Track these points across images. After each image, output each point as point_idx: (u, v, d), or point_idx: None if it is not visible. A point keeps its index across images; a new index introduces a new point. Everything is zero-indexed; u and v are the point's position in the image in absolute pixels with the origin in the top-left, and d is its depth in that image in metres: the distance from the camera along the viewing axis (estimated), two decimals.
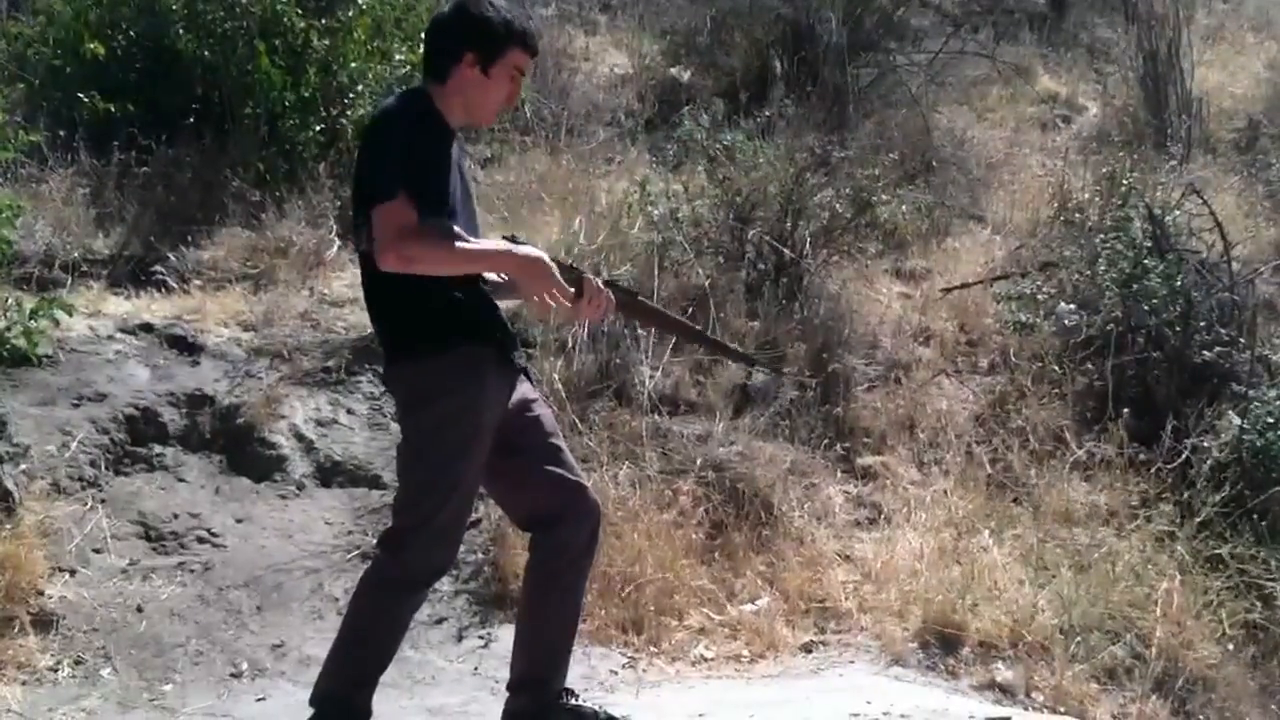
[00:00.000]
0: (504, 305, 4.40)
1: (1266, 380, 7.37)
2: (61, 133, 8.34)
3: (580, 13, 12.99)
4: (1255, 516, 6.44)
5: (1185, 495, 6.63)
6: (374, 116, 4.28)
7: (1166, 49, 12.41)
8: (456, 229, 4.00)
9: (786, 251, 8.33)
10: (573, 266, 4.32)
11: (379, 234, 3.89)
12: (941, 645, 5.86)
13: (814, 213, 8.61)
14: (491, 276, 4.32)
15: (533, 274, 4.07)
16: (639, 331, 7.24)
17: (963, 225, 10.30)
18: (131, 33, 8.77)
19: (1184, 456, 6.86)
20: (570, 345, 7.20)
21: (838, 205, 8.79)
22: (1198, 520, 6.39)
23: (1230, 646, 5.98)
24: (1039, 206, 10.31)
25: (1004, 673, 5.72)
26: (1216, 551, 6.22)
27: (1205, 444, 6.87)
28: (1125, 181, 8.78)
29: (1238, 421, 6.92)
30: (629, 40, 12.70)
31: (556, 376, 6.93)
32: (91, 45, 8.47)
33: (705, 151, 8.96)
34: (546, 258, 4.09)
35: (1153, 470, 6.80)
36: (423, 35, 8.88)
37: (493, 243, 4.18)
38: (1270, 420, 6.91)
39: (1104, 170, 9.69)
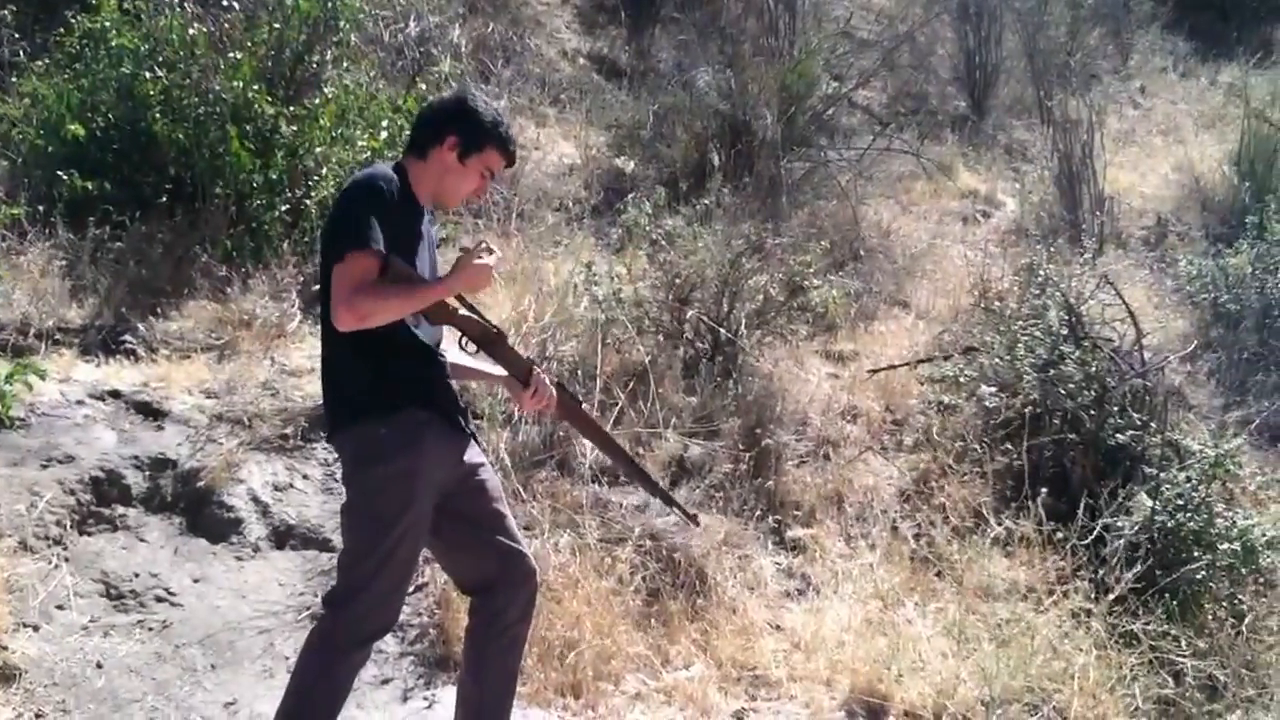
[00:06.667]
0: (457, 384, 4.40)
1: (1176, 463, 7.33)
2: (41, 208, 8.25)
3: (531, 105, 13.02)
4: (1167, 595, 6.39)
5: (1100, 573, 6.53)
6: (351, 180, 4.23)
7: (1080, 150, 12.68)
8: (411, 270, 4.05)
9: (723, 331, 8.35)
10: (529, 360, 4.41)
11: (334, 292, 3.90)
12: (868, 714, 5.79)
13: (749, 296, 8.65)
14: (453, 357, 4.38)
15: (475, 273, 4.13)
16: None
17: (888, 311, 10.42)
18: (110, 116, 8.70)
19: (1097, 534, 6.80)
20: (516, 417, 7.15)
21: (771, 289, 8.83)
22: (1112, 597, 6.30)
23: None
24: (960, 295, 10.40)
25: None
26: (1130, 628, 6.13)
27: (1119, 523, 6.81)
28: (1042, 272, 8.77)
29: (1149, 503, 6.88)
30: (577, 132, 12.75)
31: (503, 446, 6.89)
32: (72, 127, 8.46)
33: (647, 236, 8.99)
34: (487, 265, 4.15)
35: (1068, 548, 6.70)
36: (388, 117, 8.95)
37: (439, 280, 4.20)
38: (1180, 502, 6.87)
39: (1023, 261, 9.73)
